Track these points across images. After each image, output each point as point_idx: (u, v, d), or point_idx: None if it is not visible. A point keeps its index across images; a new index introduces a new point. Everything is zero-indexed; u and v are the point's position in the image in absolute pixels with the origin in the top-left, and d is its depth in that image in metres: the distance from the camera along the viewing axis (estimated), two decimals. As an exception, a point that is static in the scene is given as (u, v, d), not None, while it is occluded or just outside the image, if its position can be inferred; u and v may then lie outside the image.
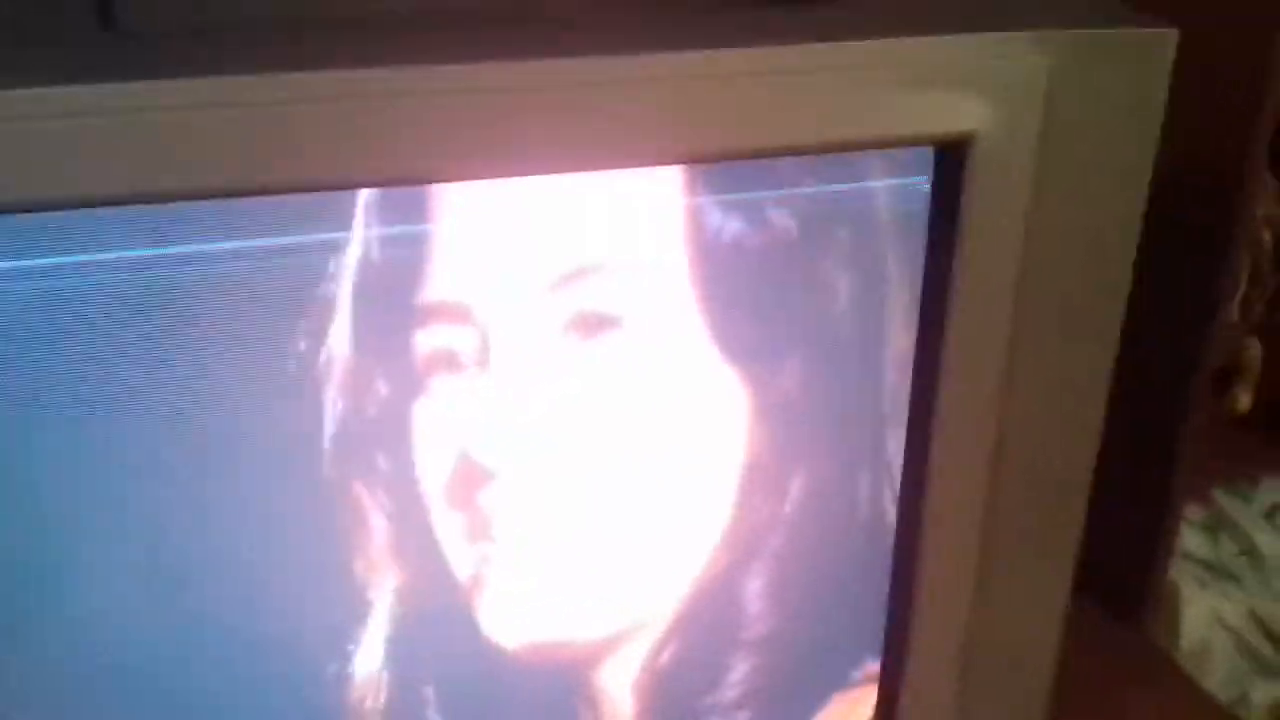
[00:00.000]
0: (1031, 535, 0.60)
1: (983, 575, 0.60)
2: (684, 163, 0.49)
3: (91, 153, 0.42)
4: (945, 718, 0.64)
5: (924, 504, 0.57)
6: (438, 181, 0.48)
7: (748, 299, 0.53)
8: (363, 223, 0.47)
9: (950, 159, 0.50)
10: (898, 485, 0.59)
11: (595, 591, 0.58)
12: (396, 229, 0.48)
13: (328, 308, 0.48)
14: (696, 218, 0.51)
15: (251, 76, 0.43)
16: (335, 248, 0.47)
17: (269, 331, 0.48)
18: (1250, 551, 0.93)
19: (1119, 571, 0.83)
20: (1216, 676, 0.82)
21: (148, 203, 0.44)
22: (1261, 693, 0.87)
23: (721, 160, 0.50)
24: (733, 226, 0.51)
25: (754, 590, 0.59)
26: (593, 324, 0.52)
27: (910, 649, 0.61)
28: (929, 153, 0.51)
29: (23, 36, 0.47)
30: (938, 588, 0.60)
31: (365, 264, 0.48)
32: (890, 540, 0.60)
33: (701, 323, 0.53)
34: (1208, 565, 0.87)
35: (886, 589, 0.61)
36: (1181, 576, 0.83)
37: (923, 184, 0.52)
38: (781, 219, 0.52)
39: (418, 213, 0.48)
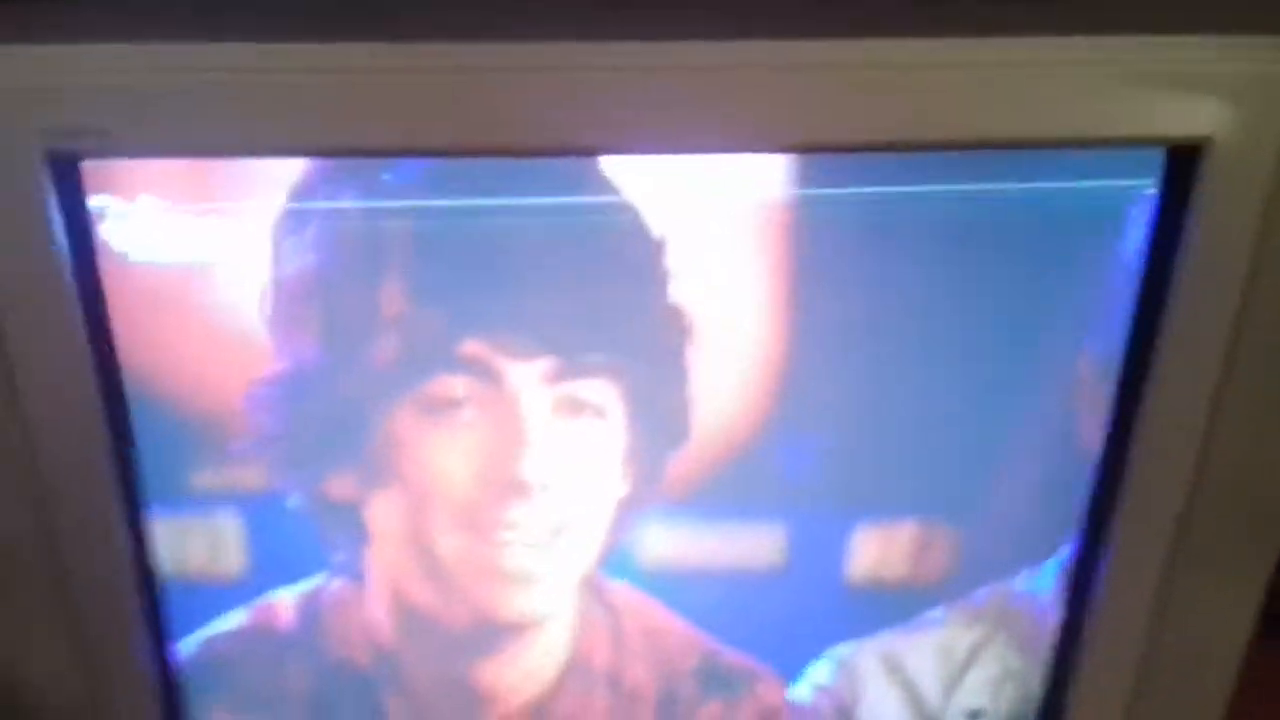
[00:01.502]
0: (1222, 557, 0.59)
1: (1164, 591, 0.59)
2: (915, 149, 0.50)
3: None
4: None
5: (1111, 526, 0.58)
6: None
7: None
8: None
9: (1183, 162, 0.50)
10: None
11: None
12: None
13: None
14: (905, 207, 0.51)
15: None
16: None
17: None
18: None
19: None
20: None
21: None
22: None
23: (952, 149, 0.50)
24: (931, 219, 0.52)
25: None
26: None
27: (1084, 659, 0.61)
28: (1157, 156, 0.51)
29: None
30: (1120, 595, 0.60)
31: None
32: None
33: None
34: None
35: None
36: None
37: (1147, 188, 0.52)
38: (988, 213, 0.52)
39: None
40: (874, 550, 0.60)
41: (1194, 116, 0.48)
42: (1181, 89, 0.48)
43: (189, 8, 0.48)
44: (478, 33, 0.47)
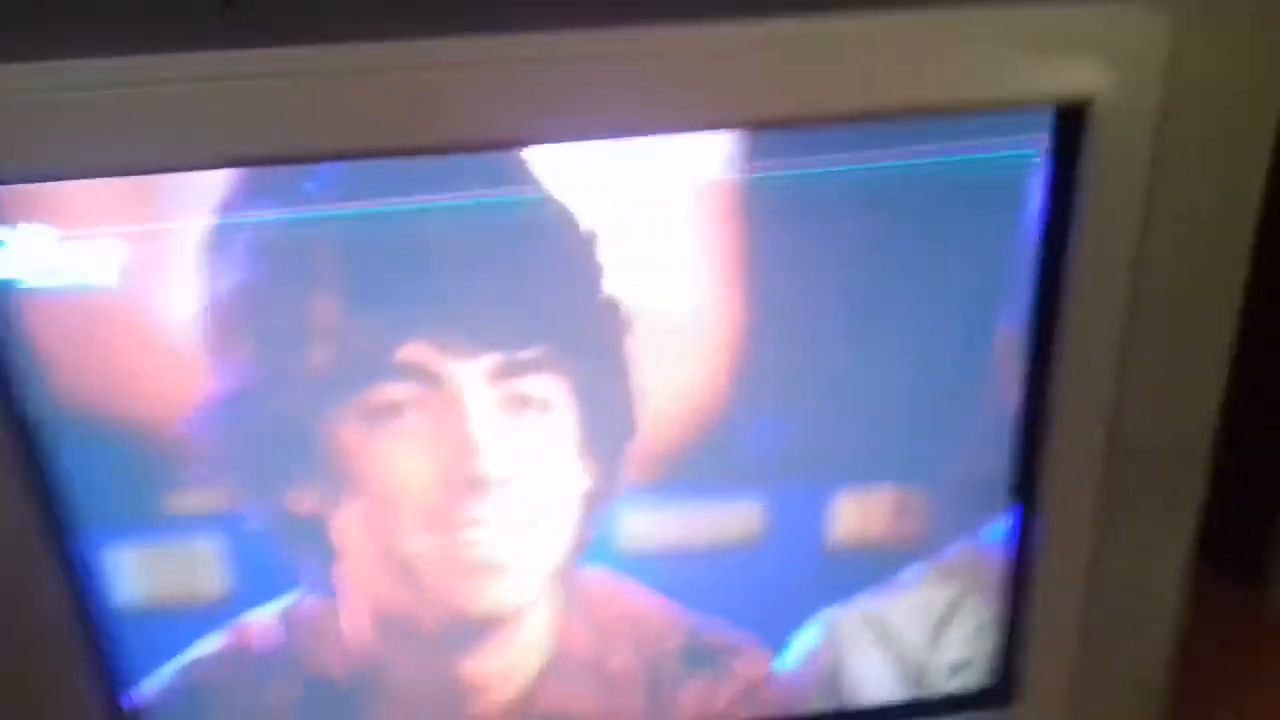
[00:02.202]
0: (1153, 496, 0.61)
1: (1101, 535, 0.61)
2: (804, 123, 0.51)
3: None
4: (1063, 677, 0.65)
5: (1041, 478, 0.59)
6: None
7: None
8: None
9: (1069, 123, 0.51)
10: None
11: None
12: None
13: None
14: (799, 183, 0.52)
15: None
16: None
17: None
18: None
19: (1244, 539, 0.84)
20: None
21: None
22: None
23: (840, 120, 0.51)
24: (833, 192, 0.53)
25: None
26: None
27: (1031, 607, 0.62)
28: (1044, 121, 0.52)
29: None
30: (1057, 544, 0.61)
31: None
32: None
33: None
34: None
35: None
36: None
37: (1032, 155, 0.53)
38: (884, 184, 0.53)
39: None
40: (845, 516, 0.61)
41: (1077, 77, 0.50)
42: (1063, 50, 0.50)
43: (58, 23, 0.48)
44: (396, 31, 0.47)
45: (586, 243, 0.53)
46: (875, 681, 0.66)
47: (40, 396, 0.53)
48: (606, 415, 0.57)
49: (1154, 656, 0.66)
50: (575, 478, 0.58)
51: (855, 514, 0.61)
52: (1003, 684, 0.67)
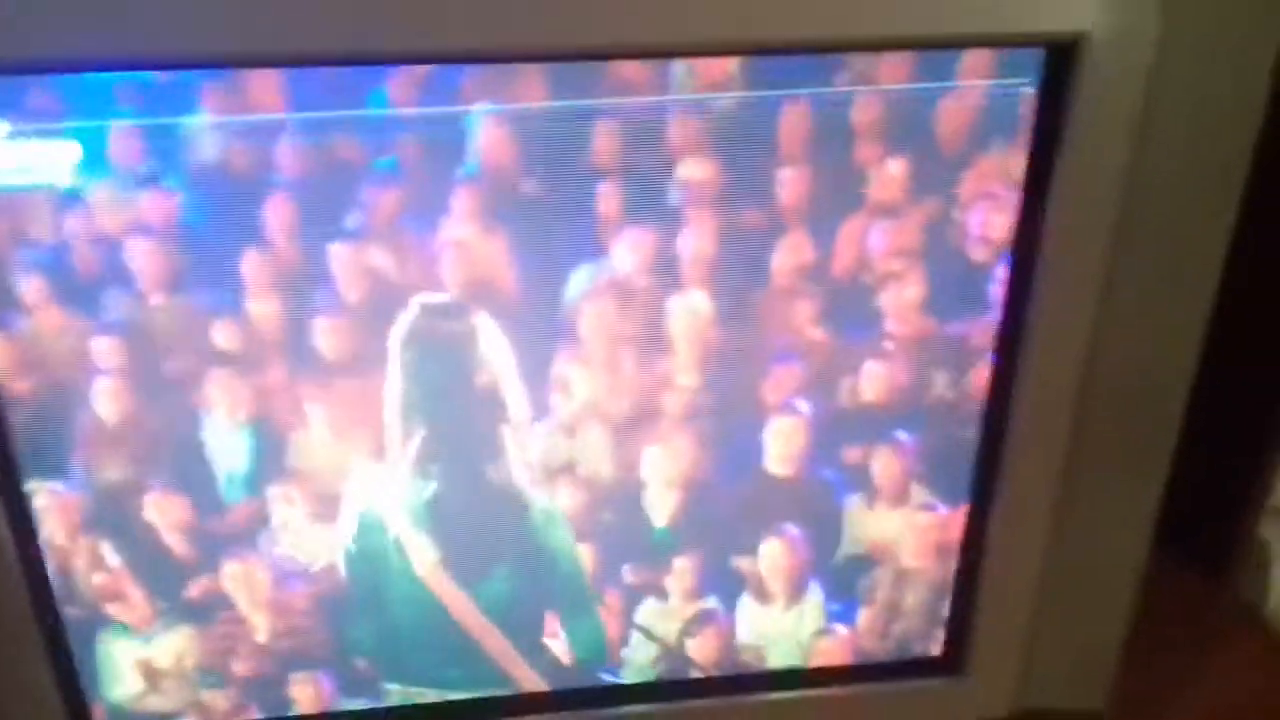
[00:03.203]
0: (1118, 461, 0.60)
1: (1064, 499, 0.60)
2: (777, 51, 0.50)
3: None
4: (1013, 650, 0.65)
5: (1010, 421, 0.58)
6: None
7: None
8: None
9: (1060, 60, 0.50)
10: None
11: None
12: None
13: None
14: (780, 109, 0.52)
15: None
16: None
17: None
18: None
19: (1210, 526, 0.83)
20: (1304, 632, 0.81)
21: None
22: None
23: (819, 50, 0.51)
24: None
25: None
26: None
27: (985, 569, 0.62)
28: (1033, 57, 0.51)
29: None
30: (1016, 512, 0.60)
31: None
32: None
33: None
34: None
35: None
36: (1273, 532, 0.82)
37: (1024, 87, 0.52)
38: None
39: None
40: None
41: (1068, 13, 0.49)
42: None
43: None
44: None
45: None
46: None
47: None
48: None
49: (1107, 635, 0.66)
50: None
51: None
52: (953, 653, 0.66)
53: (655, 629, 0.64)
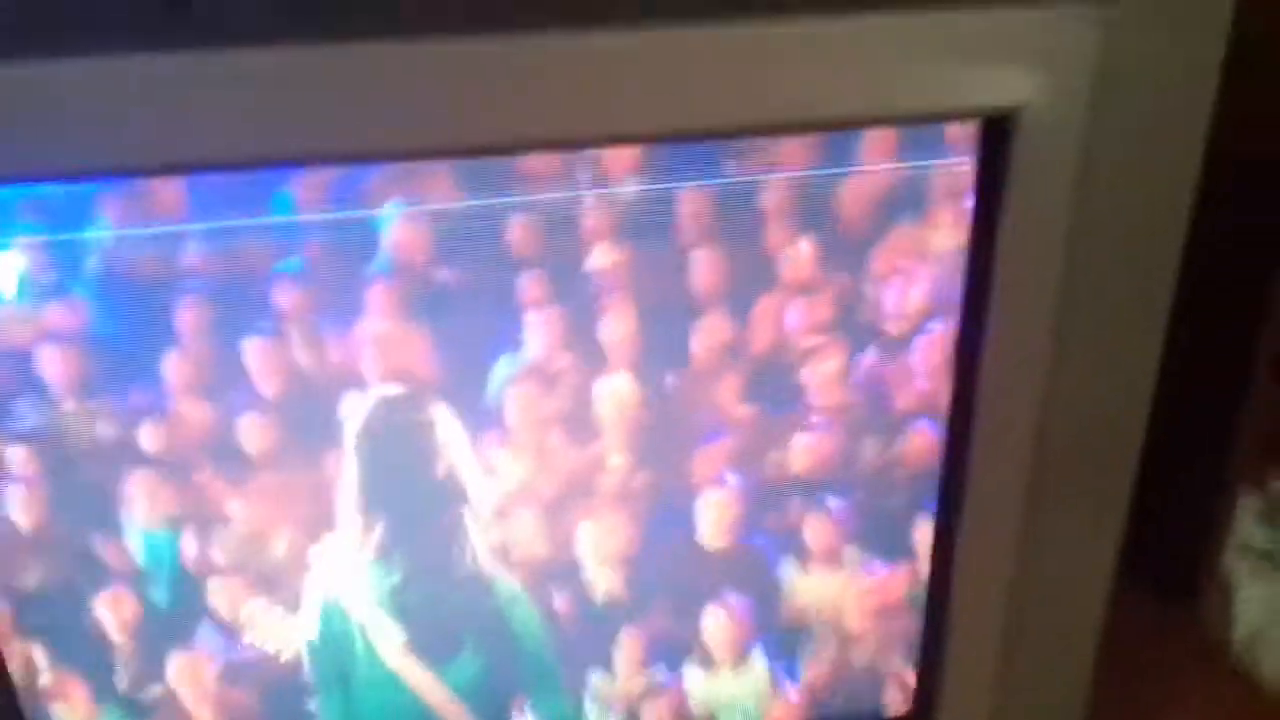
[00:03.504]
0: (1078, 505, 0.60)
1: (1025, 544, 0.60)
2: (724, 135, 0.50)
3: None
4: (982, 695, 0.64)
5: (967, 477, 0.58)
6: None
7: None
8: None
9: (996, 132, 0.50)
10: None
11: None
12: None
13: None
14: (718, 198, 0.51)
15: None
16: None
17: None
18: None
19: (1174, 558, 0.82)
20: (1269, 665, 0.81)
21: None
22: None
23: (762, 133, 0.50)
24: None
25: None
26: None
27: (951, 616, 0.61)
28: (970, 131, 0.51)
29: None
30: (979, 553, 0.60)
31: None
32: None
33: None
34: (1264, 554, 0.85)
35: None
36: (1237, 564, 0.82)
37: (961, 165, 0.52)
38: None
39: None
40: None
41: (1003, 87, 0.49)
42: (989, 61, 0.48)
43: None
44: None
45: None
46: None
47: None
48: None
49: (1076, 675, 0.65)
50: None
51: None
52: (920, 707, 0.66)
53: (609, 701, 0.64)
